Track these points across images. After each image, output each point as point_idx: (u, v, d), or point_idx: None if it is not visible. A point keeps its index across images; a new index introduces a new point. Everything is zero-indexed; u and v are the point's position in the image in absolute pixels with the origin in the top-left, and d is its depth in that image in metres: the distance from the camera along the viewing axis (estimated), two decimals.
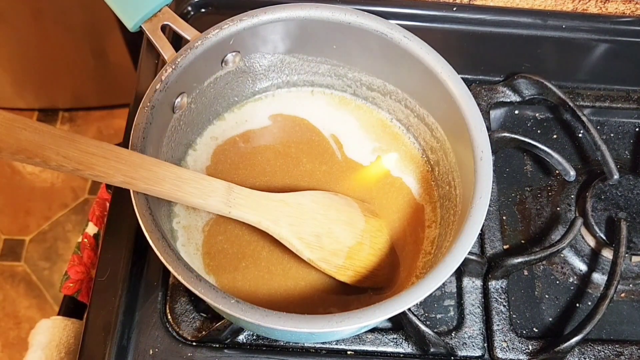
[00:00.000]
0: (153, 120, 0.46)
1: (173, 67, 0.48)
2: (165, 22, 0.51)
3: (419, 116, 0.55)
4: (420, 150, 0.57)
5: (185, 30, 0.50)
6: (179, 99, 0.50)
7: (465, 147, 0.47)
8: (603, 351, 0.52)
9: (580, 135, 0.64)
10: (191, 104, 0.52)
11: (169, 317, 0.52)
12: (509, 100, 0.64)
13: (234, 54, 0.53)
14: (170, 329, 0.51)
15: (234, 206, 0.46)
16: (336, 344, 0.52)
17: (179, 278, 0.40)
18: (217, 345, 0.51)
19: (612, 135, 0.64)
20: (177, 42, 0.60)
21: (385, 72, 0.55)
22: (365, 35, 0.51)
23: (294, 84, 0.59)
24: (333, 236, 0.50)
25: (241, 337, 0.51)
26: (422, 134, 0.56)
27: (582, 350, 0.52)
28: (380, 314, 0.40)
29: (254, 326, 0.49)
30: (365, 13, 0.51)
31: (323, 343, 0.52)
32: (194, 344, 0.51)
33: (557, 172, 0.61)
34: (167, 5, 0.51)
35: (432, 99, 0.52)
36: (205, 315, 0.52)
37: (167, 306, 0.52)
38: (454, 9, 0.67)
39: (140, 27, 0.51)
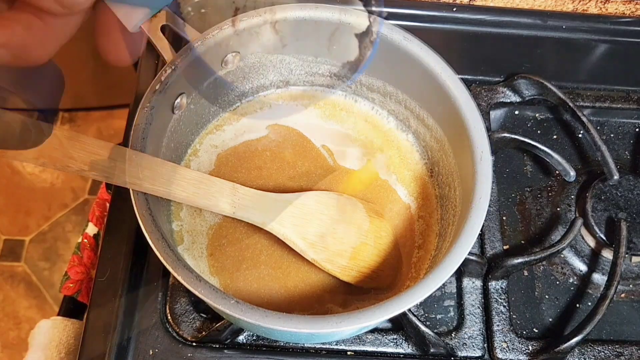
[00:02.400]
0: (153, 121, 0.46)
1: (172, 67, 0.48)
2: (165, 23, 0.51)
3: (418, 117, 0.55)
4: (420, 152, 0.57)
5: (185, 31, 0.50)
6: (178, 100, 0.50)
7: (464, 149, 0.48)
8: (603, 351, 0.52)
9: (580, 135, 0.64)
10: (190, 105, 0.52)
11: (169, 317, 0.52)
12: (509, 100, 0.64)
13: (233, 54, 0.53)
14: (170, 329, 0.51)
15: (238, 207, 0.46)
16: (336, 344, 0.52)
17: (179, 278, 0.40)
18: (217, 346, 0.51)
19: (612, 135, 0.64)
20: (177, 42, 0.60)
21: (385, 73, 0.55)
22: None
23: (294, 83, 0.59)
24: (337, 237, 0.50)
25: (241, 338, 0.51)
26: (422, 135, 0.56)
27: (582, 350, 0.52)
28: (380, 314, 0.39)
29: (253, 327, 0.49)
30: (364, 14, 0.51)
31: (323, 343, 0.52)
32: (194, 344, 0.51)
33: (557, 172, 0.61)
34: (167, 6, 0.51)
35: (432, 101, 0.52)
36: (205, 315, 0.52)
37: (167, 306, 0.52)
38: (454, 9, 0.67)
39: (140, 27, 0.51)
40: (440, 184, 0.54)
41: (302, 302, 0.50)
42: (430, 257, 0.53)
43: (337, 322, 0.39)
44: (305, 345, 0.52)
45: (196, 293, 0.39)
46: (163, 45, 0.50)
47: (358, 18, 0.51)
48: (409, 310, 0.49)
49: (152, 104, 0.46)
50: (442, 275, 0.41)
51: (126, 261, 0.53)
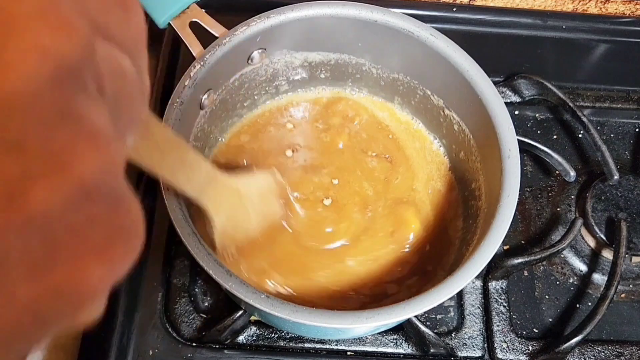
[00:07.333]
0: (182, 117, 0.46)
1: (202, 63, 0.48)
2: (193, 19, 0.51)
3: (442, 114, 0.55)
4: (443, 149, 0.57)
5: (213, 27, 0.50)
6: (205, 96, 0.50)
7: (491, 146, 0.47)
8: (603, 352, 0.52)
9: (580, 135, 0.64)
10: (216, 101, 0.52)
11: (169, 317, 0.52)
12: (509, 100, 0.64)
13: (260, 51, 0.52)
14: (170, 329, 0.51)
15: None
16: (336, 344, 0.52)
17: (210, 273, 0.40)
18: (217, 346, 0.51)
19: (612, 135, 0.64)
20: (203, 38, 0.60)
21: (410, 69, 0.55)
22: (390, 33, 0.51)
23: (319, 80, 0.59)
24: None
25: (241, 338, 0.51)
26: (446, 132, 0.56)
27: (582, 350, 0.52)
28: (421, 304, 0.40)
29: (282, 321, 0.48)
30: (392, 11, 0.51)
31: (323, 343, 0.52)
32: (194, 344, 0.51)
33: (557, 172, 0.60)
34: (194, 2, 0.51)
35: (457, 97, 0.51)
36: (205, 315, 0.52)
37: (167, 307, 0.52)
38: (454, 9, 0.67)
39: (169, 23, 0.51)
40: (462, 182, 0.54)
41: (332, 294, 0.50)
42: (454, 253, 0.53)
43: (367, 318, 0.39)
44: (305, 345, 0.52)
45: (226, 287, 0.39)
46: (191, 41, 0.50)
47: (384, 15, 0.51)
48: None
49: (181, 99, 0.46)
50: (472, 271, 0.42)
51: None
